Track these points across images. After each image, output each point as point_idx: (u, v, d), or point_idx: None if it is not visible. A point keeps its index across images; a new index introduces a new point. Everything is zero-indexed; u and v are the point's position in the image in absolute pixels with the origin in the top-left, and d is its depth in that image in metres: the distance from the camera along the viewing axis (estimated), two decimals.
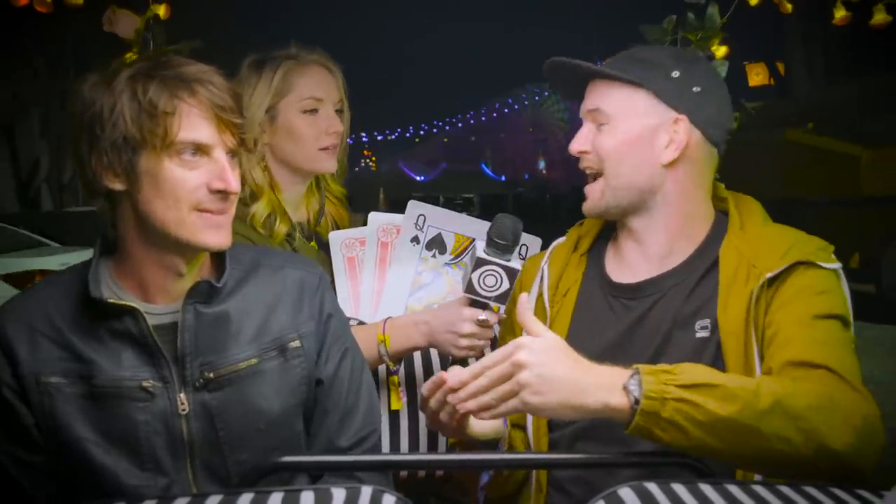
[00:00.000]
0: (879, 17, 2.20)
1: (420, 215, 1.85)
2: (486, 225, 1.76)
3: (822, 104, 11.76)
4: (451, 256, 1.86)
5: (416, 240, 1.85)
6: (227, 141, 1.31)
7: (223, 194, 1.30)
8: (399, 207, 1.88)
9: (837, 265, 1.39)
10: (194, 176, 1.28)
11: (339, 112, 1.89)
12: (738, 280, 1.39)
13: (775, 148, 10.09)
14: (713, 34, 2.08)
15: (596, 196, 1.48)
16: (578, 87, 1.53)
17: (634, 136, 1.44)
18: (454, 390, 1.24)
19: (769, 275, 1.36)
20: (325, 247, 1.88)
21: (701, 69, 1.51)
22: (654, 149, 1.44)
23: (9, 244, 8.17)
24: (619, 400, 1.17)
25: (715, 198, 1.53)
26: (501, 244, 1.49)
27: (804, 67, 16.18)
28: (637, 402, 1.15)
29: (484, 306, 1.57)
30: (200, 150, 1.29)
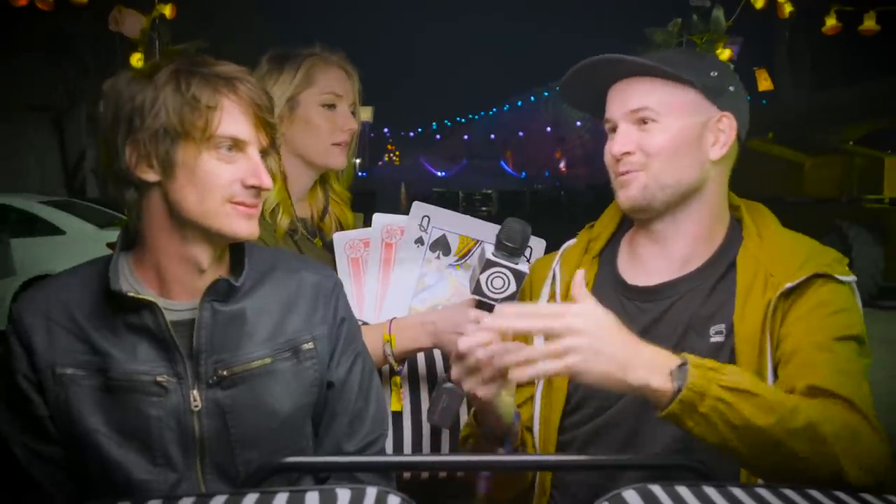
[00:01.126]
0: (869, 23, 2.13)
1: (424, 216, 1.79)
2: (491, 227, 1.71)
3: (781, 116, 13.10)
4: (456, 258, 1.80)
5: (420, 241, 1.80)
6: (261, 139, 1.31)
7: (256, 190, 1.29)
8: (421, 201, 1.83)
9: (852, 277, 1.35)
10: (229, 170, 1.27)
11: (353, 114, 1.88)
12: (755, 288, 1.35)
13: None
14: (718, 37, 2.01)
15: (637, 190, 1.40)
16: (595, 94, 1.45)
17: (686, 133, 1.39)
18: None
19: (788, 285, 1.31)
20: (329, 245, 1.85)
21: (730, 70, 1.48)
22: (703, 146, 1.40)
23: (104, 220, 9.79)
24: (661, 383, 1.13)
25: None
26: (510, 247, 1.44)
27: (789, 74, 16.11)
28: (679, 389, 1.12)
29: (490, 308, 1.52)
30: (237, 145, 1.28)
